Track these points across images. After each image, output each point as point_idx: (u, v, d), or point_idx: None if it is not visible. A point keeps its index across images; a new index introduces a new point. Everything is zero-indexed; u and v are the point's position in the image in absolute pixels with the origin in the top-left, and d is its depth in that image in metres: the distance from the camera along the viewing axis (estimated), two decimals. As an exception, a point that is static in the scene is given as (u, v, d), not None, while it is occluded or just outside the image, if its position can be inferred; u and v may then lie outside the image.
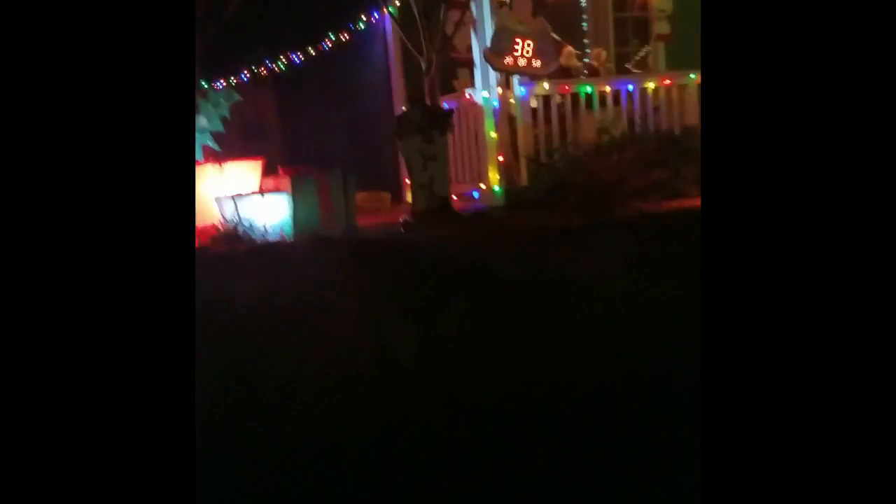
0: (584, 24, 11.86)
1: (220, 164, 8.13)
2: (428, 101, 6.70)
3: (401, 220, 6.51)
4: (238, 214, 7.45)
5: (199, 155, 9.58)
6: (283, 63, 10.62)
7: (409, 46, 7.09)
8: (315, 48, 10.60)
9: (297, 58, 10.79)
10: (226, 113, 9.43)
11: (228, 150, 9.29)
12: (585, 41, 11.47)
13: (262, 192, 7.70)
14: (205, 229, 8.01)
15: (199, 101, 9.59)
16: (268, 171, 8.42)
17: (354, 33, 10.84)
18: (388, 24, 10.65)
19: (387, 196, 8.40)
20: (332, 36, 10.75)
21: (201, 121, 9.51)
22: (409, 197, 9.99)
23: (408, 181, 8.37)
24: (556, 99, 8.05)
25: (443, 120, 6.33)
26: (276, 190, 7.91)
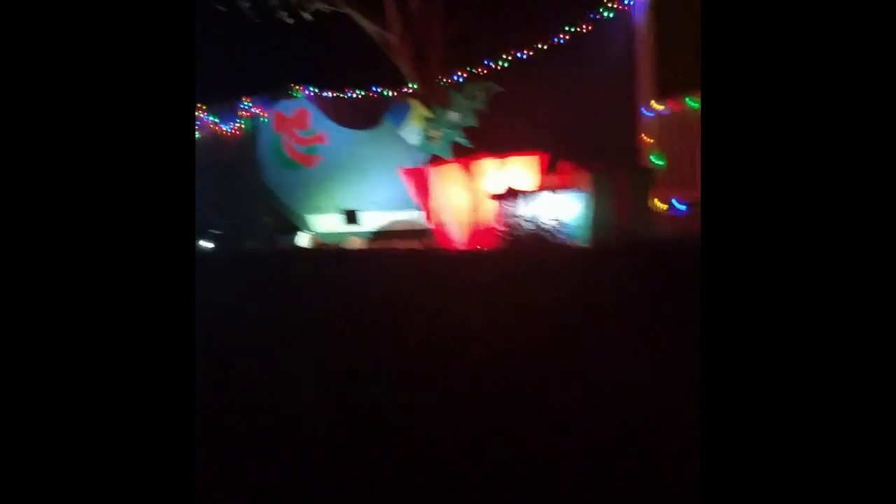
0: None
1: (500, 160, 7.40)
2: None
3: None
4: (526, 213, 6.67)
5: (446, 153, 9.00)
6: (522, 55, 9.91)
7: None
8: (557, 38, 9.82)
9: (527, 52, 10.08)
10: (481, 106, 8.75)
11: (480, 145, 8.61)
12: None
13: (552, 189, 6.89)
14: (486, 228, 7.31)
15: (453, 93, 9.03)
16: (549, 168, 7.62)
17: (596, 23, 9.97)
18: (638, 12, 9.69)
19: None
20: (570, 27, 9.95)
21: (453, 116, 8.91)
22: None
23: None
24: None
25: None
26: (561, 186, 7.07)
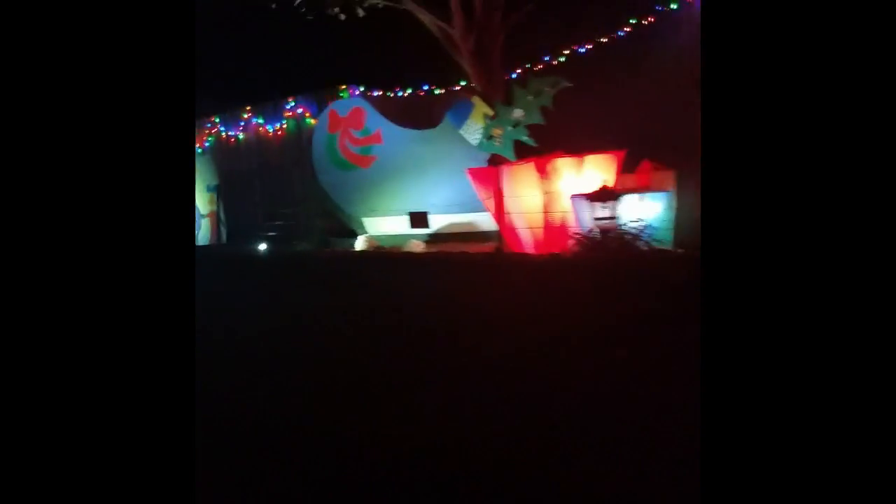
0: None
1: (578, 160, 7.05)
2: None
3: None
4: (605, 214, 6.30)
5: (509, 153, 8.64)
6: (583, 49, 9.53)
7: None
8: (621, 31, 9.42)
9: (588, 46, 9.69)
10: (548, 103, 8.37)
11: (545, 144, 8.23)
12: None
13: (632, 190, 6.51)
14: (562, 231, 6.96)
15: (517, 90, 8.68)
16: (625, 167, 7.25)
17: (661, 16, 9.54)
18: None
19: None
20: (633, 20, 9.53)
21: (516, 113, 8.56)
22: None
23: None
24: None
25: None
26: (641, 187, 6.69)
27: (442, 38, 9.22)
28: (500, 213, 7.23)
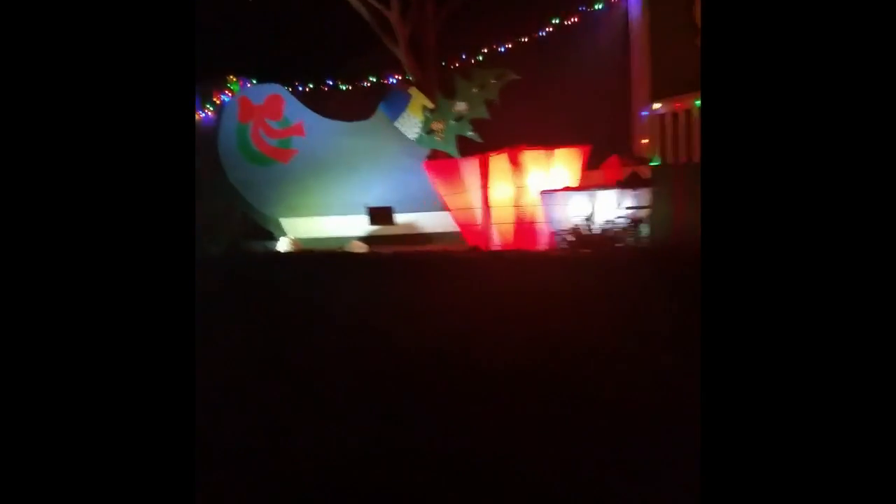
0: None
1: (547, 153, 6.67)
2: None
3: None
4: (576, 211, 6.00)
5: (451, 149, 8.10)
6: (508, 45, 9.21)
7: None
8: (545, 28, 9.21)
9: (512, 43, 9.43)
10: (493, 96, 7.93)
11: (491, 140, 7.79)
12: None
13: (600, 185, 6.25)
14: (532, 227, 6.56)
15: (460, 82, 8.15)
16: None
17: (585, 15, 9.48)
18: (634, 6, 9.29)
19: None
20: (556, 20, 9.39)
21: (459, 106, 8.05)
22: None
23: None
24: None
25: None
26: (607, 183, 6.48)
27: (374, 24, 8.49)
28: (486, 207, 6.65)
